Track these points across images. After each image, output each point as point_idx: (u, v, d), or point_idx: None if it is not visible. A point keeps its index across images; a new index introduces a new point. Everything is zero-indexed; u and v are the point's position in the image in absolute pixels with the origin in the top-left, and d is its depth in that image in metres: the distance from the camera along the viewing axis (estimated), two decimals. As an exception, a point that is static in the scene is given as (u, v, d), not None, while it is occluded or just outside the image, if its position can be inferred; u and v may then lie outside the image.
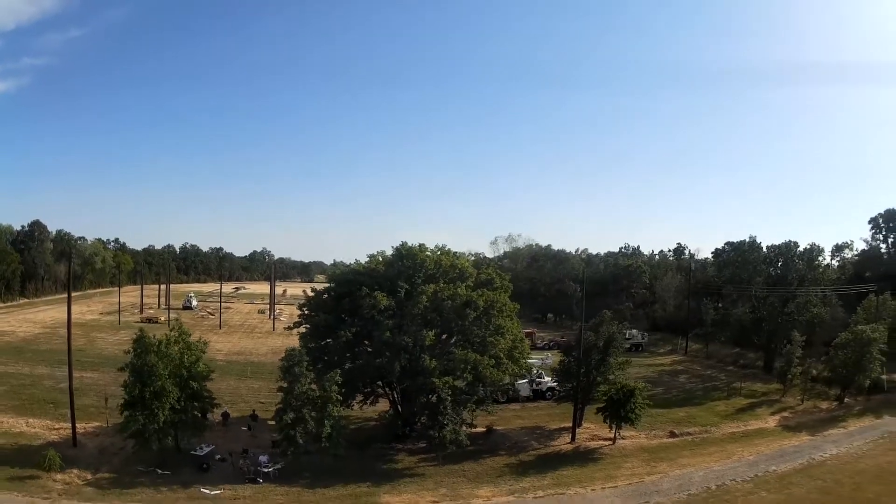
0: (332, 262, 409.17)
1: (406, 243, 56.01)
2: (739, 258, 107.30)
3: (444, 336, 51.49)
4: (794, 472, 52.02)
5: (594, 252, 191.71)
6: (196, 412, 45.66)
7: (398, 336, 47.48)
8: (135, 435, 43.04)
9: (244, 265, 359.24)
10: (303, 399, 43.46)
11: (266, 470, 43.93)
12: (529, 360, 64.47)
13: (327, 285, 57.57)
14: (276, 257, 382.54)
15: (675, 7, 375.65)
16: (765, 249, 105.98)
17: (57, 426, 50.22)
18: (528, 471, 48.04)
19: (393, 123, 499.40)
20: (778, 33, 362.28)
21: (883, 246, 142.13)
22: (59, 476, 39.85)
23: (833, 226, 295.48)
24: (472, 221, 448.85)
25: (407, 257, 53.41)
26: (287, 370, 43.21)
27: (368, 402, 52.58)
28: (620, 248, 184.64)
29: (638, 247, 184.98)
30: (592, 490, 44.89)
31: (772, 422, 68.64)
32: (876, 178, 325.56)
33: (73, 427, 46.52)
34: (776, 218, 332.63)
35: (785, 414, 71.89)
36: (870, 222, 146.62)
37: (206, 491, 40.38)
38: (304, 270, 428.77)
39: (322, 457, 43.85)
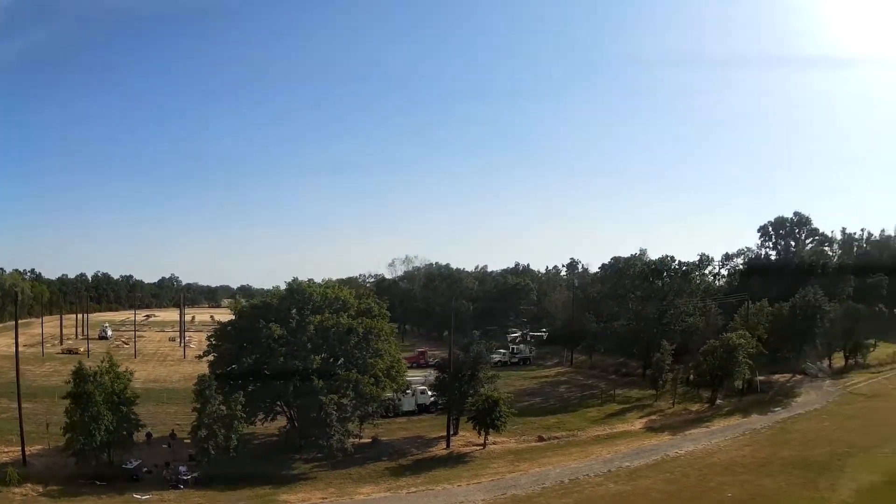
0: (238, 287, 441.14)
1: (297, 279, 71.99)
2: (616, 274, 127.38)
3: (331, 359, 65.81)
4: (645, 467, 65.22)
5: (492, 269, 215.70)
6: (125, 432, 58.96)
7: (290, 361, 62.22)
8: (76, 453, 55.98)
9: (153, 292, 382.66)
10: (213, 418, 57.33)
11: (186, 478, 57.17)
12: (413, 378, 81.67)
13: (231, 318, 72.85)
14: (183, 283, 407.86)
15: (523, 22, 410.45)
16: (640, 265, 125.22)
17: (6, 449, 62.13)
18: (406, 472, 62.07)
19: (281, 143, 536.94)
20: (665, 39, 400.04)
21: (773, 252, 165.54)
22: (17, 489, 53.01)
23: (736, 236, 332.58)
24: (373, 246, 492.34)
25: (297, 292, 69.06)
26: (199, 393, 57.89)
27: (269, 418, 67.18)
28: (510, 267, 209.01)
29: (528, 264, 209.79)
30: (459, 486, 58.60)
31: (638, 425, 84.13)
32: (773, 187, 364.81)
33: (23, 448, 59.34)
34: (677, 230, 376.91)
35: (653, 417, 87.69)
36: (759, 230, 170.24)
37: (138, 497, 53.58)
38: (210, 295, 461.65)
39: (232, 466, 57.84)
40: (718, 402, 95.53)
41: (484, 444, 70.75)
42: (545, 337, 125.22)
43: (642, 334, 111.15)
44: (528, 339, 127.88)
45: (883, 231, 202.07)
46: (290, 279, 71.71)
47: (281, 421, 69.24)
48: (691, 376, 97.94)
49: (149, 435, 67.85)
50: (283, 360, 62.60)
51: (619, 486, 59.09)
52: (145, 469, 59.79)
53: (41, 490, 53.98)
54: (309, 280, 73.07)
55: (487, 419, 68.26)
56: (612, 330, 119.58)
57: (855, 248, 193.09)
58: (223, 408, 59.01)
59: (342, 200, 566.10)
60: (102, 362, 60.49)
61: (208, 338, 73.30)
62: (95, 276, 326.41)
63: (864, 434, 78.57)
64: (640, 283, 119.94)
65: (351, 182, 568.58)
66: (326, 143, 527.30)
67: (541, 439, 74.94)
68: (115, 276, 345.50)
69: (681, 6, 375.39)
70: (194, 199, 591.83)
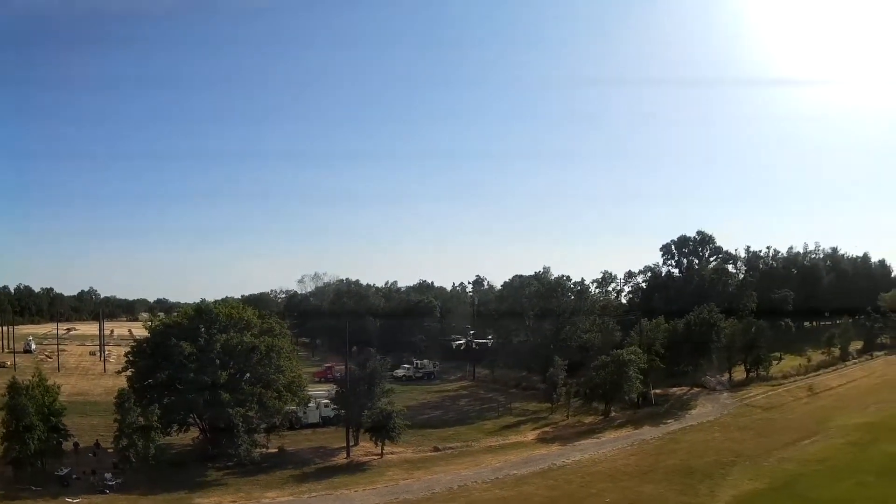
0: (155, 300, 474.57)
1: (204, 300, 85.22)
2: (513, 293, 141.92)
3: (237, 374, 76.57)
4: (531, 475, 74.22)
5: (402, 285, 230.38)
6: (56, 442, 68.70)
7: (200, 376, 72.76)
8: (13, 461, 65.39)
9: (73, 305, 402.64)
10: (132, 428, 67.34)
11: (111, 484, 65.86)
12: (318, 392, 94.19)
13: (146, 335, 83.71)
14: (102, 296, 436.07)
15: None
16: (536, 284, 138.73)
17: (-56, 460, 72.01)
18: (308, 479, 71.64)
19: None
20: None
21: (676, 270, 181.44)
22: (-41, 496, 62.59)
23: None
24: (288, 258, 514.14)
25: (204, 312, 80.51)
26: (119, 406, 68.07)
27: (183, 429, 77.81)
28: (416, 283, 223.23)
29: (432, 282, 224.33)
30: (356, 492, 68.07)
31: (531, 436, 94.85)
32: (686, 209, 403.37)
33: (-36, 459, 69.25)
34: (589, 248, 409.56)
35: (546, 429, 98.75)
36: (661, 249, 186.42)
37: (70, 500, 62.23)
38: (128, 309, 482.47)
39: (151, 472, 68.24)
40: (613, 414, 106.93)
41: (381, 454, 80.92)
42: (489, 344, 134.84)
43: (539, 350, 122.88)
44: (468, 345, 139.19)
45: (791, 248, 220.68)
46: (204, 294, 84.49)
47: (194, 431, 79.85)
48: (585, 390, 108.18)
49: (76, 444, 76.52)
50: (193, 375, 73.00)
51: (504, 492, 68.32)
52: (75, 476, 68.13)
53: None
54: (216, 301, 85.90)
55: (383, 430, 79.50)
56: (510, 346, 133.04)
57: (761, 266, 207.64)
58: (141, 419, 68.15)
59: (256, 218, 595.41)
60: (33, 377, 70.52)
61: (126, 354, 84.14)
62: (17, 289, 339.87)
63: (752, 444, 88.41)
64: (536, 301, 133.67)
65: (265, 202, 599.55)
66: (249, 163, 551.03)
67: (436, 449, 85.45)
68: (36, 288, 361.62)
69: (594, 30, 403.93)
70: (111, 212, 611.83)
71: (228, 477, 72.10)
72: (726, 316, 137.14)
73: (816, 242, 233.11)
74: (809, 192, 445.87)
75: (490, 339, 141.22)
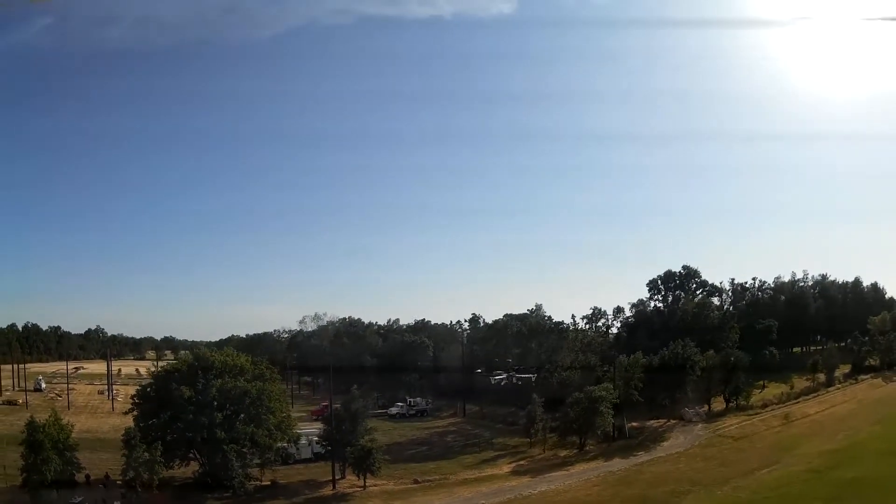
0: (162, 338, 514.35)
1: (201, 349, 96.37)
2: (496, 334, 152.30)
3: (232, 415, 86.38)
4: None
5: (404, 322, 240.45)
6: (69, 474, 78.68)
7: (198, 417, 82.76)
8: (31, 490, 74.92)
9: (80, 343, 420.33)
10: (138, 462, 77.16)
11: None
12: (311, 430, 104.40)
13: (150, 381, 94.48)
14: (109, 334, 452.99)
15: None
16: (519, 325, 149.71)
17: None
18: None
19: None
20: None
21: (661, 304, 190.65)
22: (-18, 523, 72.51)
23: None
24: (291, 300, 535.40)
25: (201, 359, 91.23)
26: (126, 443, 78.36)
27: (184, 463, 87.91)
28: (413, 322, 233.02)
29: (429, 321, 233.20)
30: None
31: (506, 469, 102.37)
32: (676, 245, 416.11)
33: (-13, 490, 79.27)
34: (582, 285, 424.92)
35: (522, 462, 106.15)
36: (648, 284, 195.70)
37: None
38: (135, 347, 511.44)
39: (155, 502, 78.43)
40: (588, 447, 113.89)
41: (364, 486, 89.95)
42: (533, 379, 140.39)
43: (520, 388, 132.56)
44: (510, 379, 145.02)
45: (778, 277, 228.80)
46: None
47: (195, 465, 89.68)
48: (560, 425, 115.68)
49: (87, 476, 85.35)
50: (192, 416, 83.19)
51: None
52: None
53: None
54: (213, 350, 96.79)
55: (364, 465, 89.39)
56: (493, 385, 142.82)
57: (748, 297, 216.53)
58: (146, 454, 77.77)
59: (260, 255, 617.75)
60: (49, 416, 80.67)
61: (132, 397, 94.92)
62: (25, 327, 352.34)
63: (713, 473, 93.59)
64: (517, 341, 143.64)
65: (266, 238, 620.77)
66: (243, 195, 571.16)
67: (416, 482, 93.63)
68: (44, 326, 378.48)
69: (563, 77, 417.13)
70: (119, 250, 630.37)
71: None
72: (707, 348, 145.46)
73: (804, 270, 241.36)
74: (802, 218, 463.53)
75: (534, 374, 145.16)
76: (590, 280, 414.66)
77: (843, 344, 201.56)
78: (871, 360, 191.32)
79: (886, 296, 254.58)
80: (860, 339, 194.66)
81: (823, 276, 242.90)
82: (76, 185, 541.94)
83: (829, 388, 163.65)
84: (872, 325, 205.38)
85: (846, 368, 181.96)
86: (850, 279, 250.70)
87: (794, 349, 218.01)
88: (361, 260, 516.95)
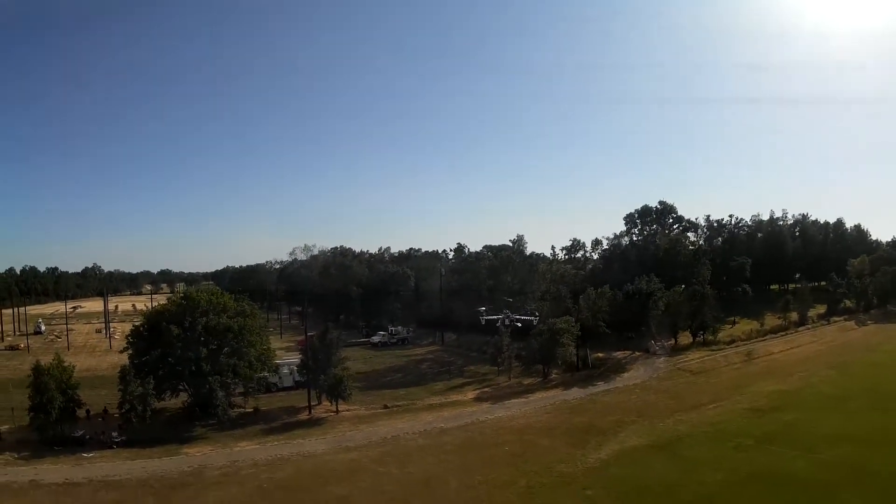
0: (159, 271, 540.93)
1: (189, 288, 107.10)
2: (469, 267, 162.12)
3: (216, 349, 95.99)
4: (455, 428, 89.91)
5: (395, 251, 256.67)
6: (72, 410, 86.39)
7: (186, 352, 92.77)
8: (38, 428, 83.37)
9: (78, 282, 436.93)
10: (133, 396, 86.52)
11: (117, 441, 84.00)
12: (293, 359, 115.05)
13: (142, 321, 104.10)
14: (105, 271, 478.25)
15: None
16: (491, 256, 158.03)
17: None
18: (274, 432, 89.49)
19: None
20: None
21: (638, 238, 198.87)
22: None
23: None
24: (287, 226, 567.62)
25: (189, 299, 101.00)
26: (122, 379, 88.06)
27: (174, 395, 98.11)
28: (400, 252, 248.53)
29: (411, 249, 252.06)
30: (309, 441, 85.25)
31: (471, 395, 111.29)
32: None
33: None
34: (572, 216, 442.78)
35: (486, 389, 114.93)
36: (625, 218, 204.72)
37: (86, 455, 79.99)
38: (132, 282, 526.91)
39: (149, 431, 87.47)
40: (553, 376, 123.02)
41: (337, 411, 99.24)
42: (535, 322, 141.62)
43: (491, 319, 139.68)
44: (508, 322, 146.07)
45: (757, 215, 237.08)
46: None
47: (184, 397, 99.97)
48: (524, 355, 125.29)
49: (88, 412, 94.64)
50: (180, 352, 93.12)
51: (426, 441, 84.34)
52: (88, 436, 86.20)
53: (16, 456, 79.26)
54: (198, 290, 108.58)
55: (336, 392, 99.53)
56: (465, 316, 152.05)
57: (724, 234, 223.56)
58: (140, 388, 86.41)
59: (257, 186, 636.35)
60: (53, 360, 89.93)
61: (126, 336, 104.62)
62: (23, 270, 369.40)
63: (661, 406, 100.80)
64: (489, 273, 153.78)
65: (262, 167, 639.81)
66: (250, 129, 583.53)
67: (385, 407, 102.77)
68: (41, 268, 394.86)
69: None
70: (113, 188, 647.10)
71: (210, 432, 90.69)
72: (680, 284, 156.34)
73: (784, 209, 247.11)
74: (789, 158, 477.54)
75: (535, 317, 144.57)
76: (572, 212, 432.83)
77: (821, 284, 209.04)
78: (847, 303, 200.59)
79: (870, 238, 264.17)
80: (836, 281, 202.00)
81: (804, 216, 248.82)
82: (69, 118, 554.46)
83: (800, 329, 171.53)
84: (852, 267, 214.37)
85: (822, 309, 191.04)
86: (832, 220, 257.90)
87: (772, 287, 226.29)
88: (354, 188, 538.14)
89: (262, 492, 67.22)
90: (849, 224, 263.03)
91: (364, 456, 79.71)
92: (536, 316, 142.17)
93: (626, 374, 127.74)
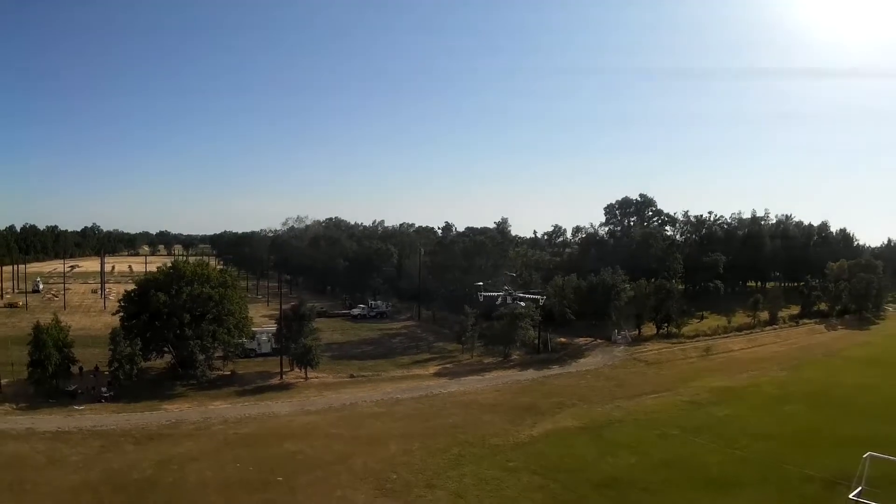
0: (157, 232, 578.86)
1: (178, 258, 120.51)
2: (444, 249, 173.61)
3: (199, 316, 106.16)
4: (409, 399, 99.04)
5: (389, 224, 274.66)
6: (66, 366, 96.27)
7: (171, 317, 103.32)
8: (36, 382, 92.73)
9: (77, 241, 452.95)
10: (121, 356, 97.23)
11: (106, 395, 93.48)
12: (272, 327, 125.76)
13: (134, 287, 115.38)
14: (104, 231, 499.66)
15: None
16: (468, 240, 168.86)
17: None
18: (246, 394, 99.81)
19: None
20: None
21: (617, 229, 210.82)
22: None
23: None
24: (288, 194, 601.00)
25: (175, 268, 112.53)
26: (112, 339, 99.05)
27: (160, 356, 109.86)
28: (386, 228, 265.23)
29: (403, 224, 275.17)
30: (275, 402, 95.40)
31: (432, 370, 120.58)
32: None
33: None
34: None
35: (447, 365, 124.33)
36: (605, 208, 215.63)
37: (77, 407, 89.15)
38: (130, 243, 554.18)
39: (135, 388, 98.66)
40: (514, 357, 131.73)
41: (306, 378, 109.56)
42: (540, 301, 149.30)
43: (461, 299, 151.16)
44: (510, 300, 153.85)
45: (738, 213, 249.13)
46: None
47: (168, 358, 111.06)
48: (486, 335, 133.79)
49: (81, 368, 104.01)
50: (166, 317, 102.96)
51: (379, 409, 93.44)
52: (80, 391, 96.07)
53: (14, 407, 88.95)
54: (184, 260, 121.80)
55: (304, 359, 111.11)
56: (440, 293, 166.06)
57: (703, 230, 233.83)
58: (128, 349, 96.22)
59: (258, 152, 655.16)
60: (52, 320, 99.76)
61: (119, 300, 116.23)
62: (23, 228, 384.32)
63: (605, 392, 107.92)
64: (462, 256, 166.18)
65: (265, 134, 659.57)
66: (252, 97, 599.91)
67: (351, 377, 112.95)
68: (41, 226, 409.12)
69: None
70: (116, 146, 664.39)
71: (190, 391, 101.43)
72: (651, 276, 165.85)
73: (766, 209, 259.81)
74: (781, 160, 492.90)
75: (541, 295, 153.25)
76: (559, 195, 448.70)
77: (799, 285, 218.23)
78: (820, 306, 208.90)
79: (856, 243, 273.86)
80: (810, 283, 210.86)
81: (787, 217, 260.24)
82: (70, 75, 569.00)
83: (767, 328, 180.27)
84: (830, 270, 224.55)
85: (796, 310, 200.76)
86: (816, 222, 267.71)
87: (749, 284, 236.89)
88: (355, 157, 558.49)
89: (227, 444, 77.98)
90: (835, 228, 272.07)
91: (322, 419, 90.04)
92: (543, 296, 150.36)
93: (582, 360, 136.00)
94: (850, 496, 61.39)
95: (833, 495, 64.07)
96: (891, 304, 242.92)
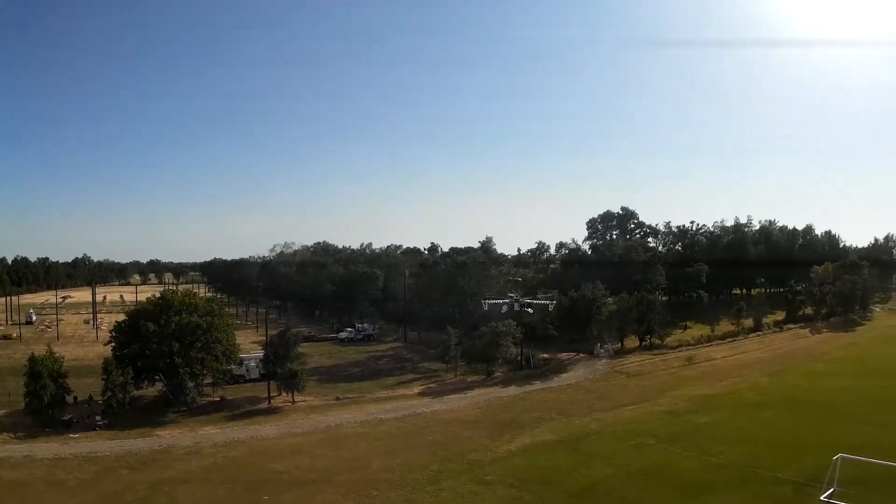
0: (148, 261, 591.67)
1: (167, 289, 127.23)
2: (427, 270, 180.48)
3: (187, 344, 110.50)
4: (392, 419, 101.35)
5: (377, 247, 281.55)
6: (61, 397, 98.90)
7: (161, 346, 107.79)
8: (32, 412, 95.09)
9: (68, 272, 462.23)
10: (114, 385, 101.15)
11: (100, 424, 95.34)
12: (259, 353, 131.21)
13: (124, 318, 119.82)
14: (95, 261, 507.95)
15: None
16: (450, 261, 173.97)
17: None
18: (236, 418, 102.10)
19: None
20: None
21: (599, 242, 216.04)
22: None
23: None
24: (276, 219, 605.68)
25: (164, 299, 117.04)
26: (105, 369, 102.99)
27: (151, 384, 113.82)
28: (370, 251, 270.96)
29: (390, 246, 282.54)
30: (263, 426, 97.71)
31: (416, 390, 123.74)
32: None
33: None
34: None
35: (431, 385, 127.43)
36: (587, 223, 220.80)
37: (73, 435, 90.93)
38: (121, 273, 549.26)
39: (128, 416, 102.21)
40: (497, 374, 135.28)
41: (293, 402, 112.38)
42: (550, 307, 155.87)
43: (445, 319, 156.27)
44: (517, 307, 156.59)
45: (721, 221, 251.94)
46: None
47: (159, 386, 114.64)
48: (468, 354, 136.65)
49: (75, 398, 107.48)
50: (156, 346, 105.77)
51: (363, 429, 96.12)
52: (75, 420, 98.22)
53: (13, 436, 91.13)
54: (173, 291, 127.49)
55: (291, 384, 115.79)
56: (425, 314, 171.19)
57: (686, 240, 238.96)
58: (120, 378, 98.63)
59: (245, 181, 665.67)
60: (46, 352, 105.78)
61: (111, 330, 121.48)
62: (15, 260, 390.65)
63: (584, 405, 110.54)
64: (445, 278, 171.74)
65: (254, 166, 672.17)
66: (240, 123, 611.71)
67: (337, 399, 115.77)
68: (32, 258, 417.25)
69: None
70: (104, 175, 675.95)
71: (181, 417, 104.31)
72: (634, 288, 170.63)
73: (748, 215, 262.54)
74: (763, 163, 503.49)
75: (549, 299, 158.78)
76: (544, 212, 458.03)
77: (783, 290, 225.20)
78: (806, 310, 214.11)
79: (842, 244, 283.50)
80: (794, 288, 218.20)
81: (770, 222, 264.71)
82: (55, 104, 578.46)
83: (751, 335, 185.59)
84: (815, 274, 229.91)
85: (782, 315, 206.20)
86: (800, 227, 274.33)
87: (735, 292, 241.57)
88: (341, 183, 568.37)
89: (216, 466, 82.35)
90: (820, 230, 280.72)
91: (307, 440, 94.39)
92: (552, 300, 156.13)
93: (564, 375, 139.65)
94: (822, 498, 63.70)
95: (804, 497, 66.16)
96: (878, 305, 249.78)
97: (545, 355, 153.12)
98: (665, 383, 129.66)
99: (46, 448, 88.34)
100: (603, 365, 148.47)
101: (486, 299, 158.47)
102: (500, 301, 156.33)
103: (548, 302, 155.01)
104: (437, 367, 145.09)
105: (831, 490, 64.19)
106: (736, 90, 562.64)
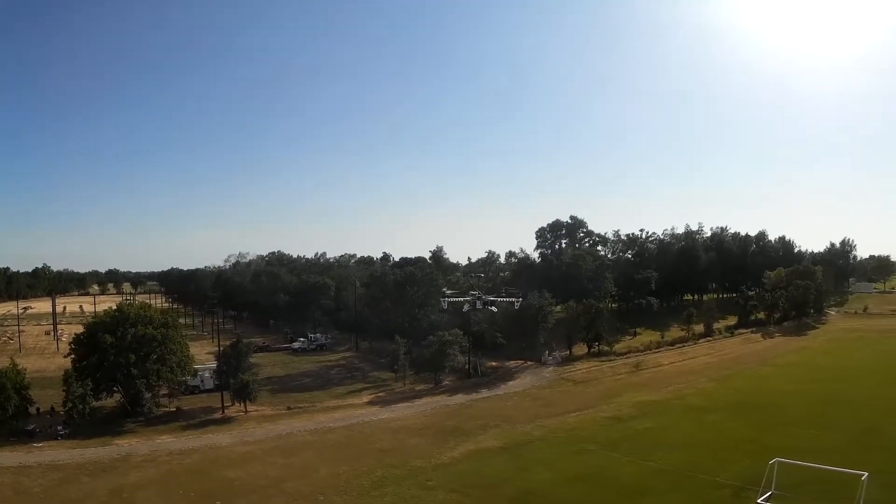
0: (106, 271, 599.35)
1: (123, 301, 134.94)
2: (376, 281, 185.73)
3: (143, 356, 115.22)
4: (341, 427, 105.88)
5: (331, 256, 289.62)
6: (24, 407, 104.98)
7: (118, 358, 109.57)
8: None
9: (28, 282, 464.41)
10: (75, 396, 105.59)
11: (62, 433, 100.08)
12: (214, 364, 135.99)
13: (83, 330, 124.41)
14: (55, 271, 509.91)
15: None
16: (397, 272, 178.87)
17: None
18: (191, 427, 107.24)
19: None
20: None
21: (548, 252, 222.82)
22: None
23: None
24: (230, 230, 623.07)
25: (120, 311, 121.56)
26: (65, 381, 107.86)
27: (109, 395, 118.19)
28: (322, 261, 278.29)
29: (344, 255, 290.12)
30: (216, 435, 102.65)
31: (366, 399, 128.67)
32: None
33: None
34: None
35: (380, 394, 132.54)
36: (536, 232, 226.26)
37: (36, 444, 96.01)
38: (80, 283, 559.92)
39: (88, 426, 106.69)
40: (445, 383, 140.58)
41: (246, 411, 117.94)
42: (516, 304, 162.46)
43: (393, 329, 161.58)
44: (480, 305, 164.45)
45: (671, 229, 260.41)
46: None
47: (117, 397, 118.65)
48: (416, 363, 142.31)
49: (38, 409, 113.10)
50: (113, 357, 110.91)
51: (313, 438, 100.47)
52: (38, 430, 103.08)
53: None
54: (129, 303, 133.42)
55: (243, 394, 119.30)
56: (376, 323, 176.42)
57: (636, 248, 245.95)
58: (80, 389, 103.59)
59: (204, 191, 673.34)
60: (10, 364, 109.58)
61: (70, 343, 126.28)
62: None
63: (529, 412, 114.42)
64: (393, 288, 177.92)
65: (213, 175, 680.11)
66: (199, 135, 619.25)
67: (288, 409, 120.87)
68: None
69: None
70: (66, 189, 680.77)
71: (138, 427, 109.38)
72: (583, 296, 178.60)
73: (699, 223, 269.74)
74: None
75: (511, 299, 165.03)
76: (495, 221, 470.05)
77: (735, 296, 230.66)
78: (758, 314, 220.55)
79: (796, 249, 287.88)
80: (746, 293, 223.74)
81: (723, 229, 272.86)
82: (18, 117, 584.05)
83: (701, 340, 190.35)
84: (768, 279, 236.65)
85: (734, 320, 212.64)
86: (753, 232, 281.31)
87: (687, 298, 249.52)
88: (301, 190, 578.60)
89: (172, 473, 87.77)
90: (774, 236, 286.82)
91: (259, 448, 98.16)
92: (519, 298, 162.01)
93: (511, 382, 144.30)
94: (758, 501, 67.03)
95: (741, 501, 69.46)
96: (834, 308, 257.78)
97: (493, 363, 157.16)
98: (611, 390, 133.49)
99: (12, 457, 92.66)
100: (550, 372, 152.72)
101: (446, 297, 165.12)
102: (462, 299, 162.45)
103: (514, 300, 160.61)
104: (386, 376, 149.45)
105: (768, 493, 67.91)
106: (689, 94, 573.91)
